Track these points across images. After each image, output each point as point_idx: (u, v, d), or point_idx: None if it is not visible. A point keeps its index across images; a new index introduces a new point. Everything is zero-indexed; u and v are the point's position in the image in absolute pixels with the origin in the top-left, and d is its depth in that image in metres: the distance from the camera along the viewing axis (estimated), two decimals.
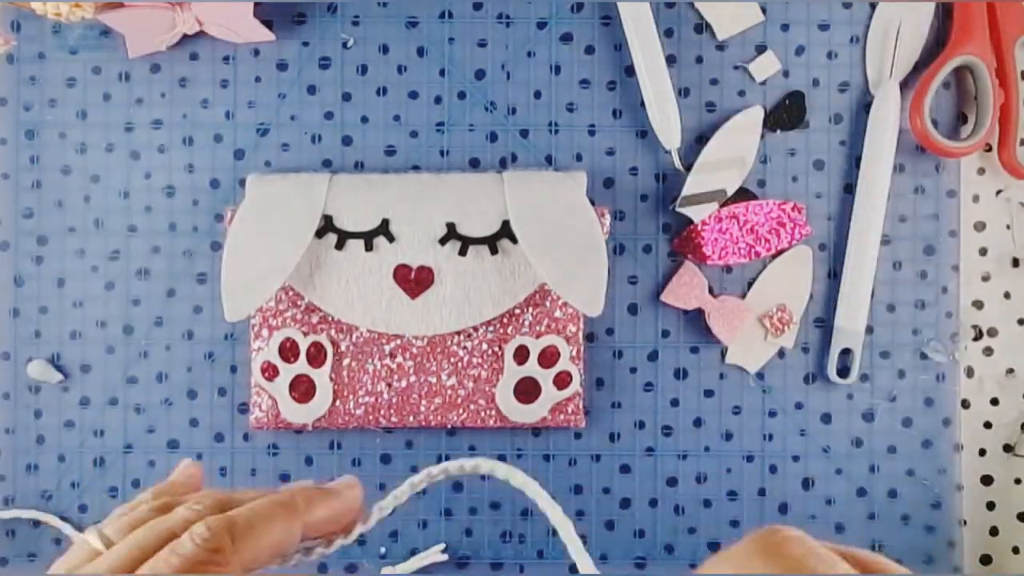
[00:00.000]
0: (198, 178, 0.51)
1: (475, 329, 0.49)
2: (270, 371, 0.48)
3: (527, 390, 0.49)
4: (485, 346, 0.49)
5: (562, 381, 0.49)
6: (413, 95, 0.51)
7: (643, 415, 0.51)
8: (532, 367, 0.49)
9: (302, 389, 0.49)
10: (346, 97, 0.51)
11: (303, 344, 0.48)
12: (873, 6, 0.51)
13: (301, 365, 0.48)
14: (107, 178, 0.51)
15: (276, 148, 0.51)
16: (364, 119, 0.51)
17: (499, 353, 0.49)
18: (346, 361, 0.49)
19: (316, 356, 0.49)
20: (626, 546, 0.51)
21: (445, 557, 0.50)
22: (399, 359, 0.49)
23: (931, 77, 0.49)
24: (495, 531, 0.51)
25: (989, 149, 0.51)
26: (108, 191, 0.51)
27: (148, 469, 0.51)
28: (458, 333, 0.49)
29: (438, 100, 0.51)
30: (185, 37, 0.50)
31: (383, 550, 0.51)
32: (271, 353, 0.48)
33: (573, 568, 0.50)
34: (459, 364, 0.49)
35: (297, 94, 0.51)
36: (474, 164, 0.51)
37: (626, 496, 0.51)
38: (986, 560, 0.51)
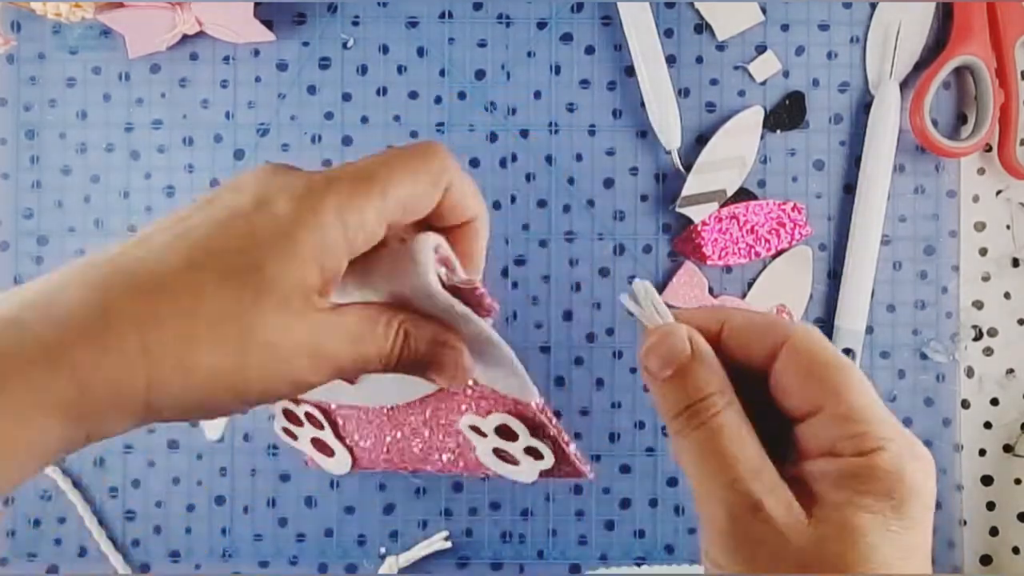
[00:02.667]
0: (198, 178, 0.51)
1: (421, 403, 0.38)
2: (289, 434, 0.43)
3: (506, 458, 0.38)
4: (442, 420, 0.39)
5: (535, 454, 0.37)
6: (413, 95, 0.51)
7: (643, 415, 0.51)
8: (497, 441, 0.37)
9: (320, 446, 0.42)
10: (346, 97, 0.51)
11: (299, 412, 0.42)
12: (873, 6, 0.51)
13: (308, 429, 0.42)
14: (107, 178, 0.51)
15: (276, 148, 0.51)
16: (364, 119, 0.51)
17: (459, 429, 0.38)
18: (342, 421, 0.41)
19: (315, 421, 0.42)
20: (626, 546, 0.51)
21: (448, 544, 0.50)
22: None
23: (931, 77, 0.49)
24: (495, 531, 0.51)
25: (989, 149, 0.51)
26: (108, 191, 0.51)
27: (148, 469, 0.51)
28: (410, 405, 0.39)
29: (438, 100, 0.51)
30: (185, 37, 0.50)
31: (383, 550, 0.51)
32: (280, 420, 0.43)
33: (574, 568, 0.50)
34: (435, 430, 0.39)
35: (297, 94, 0.51)
36: (474, 164, 0.51)
37: (626, 496, 0.51)
38: (986, 560, 0.51)
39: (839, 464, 0.26)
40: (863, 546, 0.25)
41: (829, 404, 0.27)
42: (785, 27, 0.51)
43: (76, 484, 0.51)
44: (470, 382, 0.34)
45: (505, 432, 0.36)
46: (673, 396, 0.29)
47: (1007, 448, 0.51)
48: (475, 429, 0.36)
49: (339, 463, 0.42)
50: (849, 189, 0.51)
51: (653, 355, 0.30)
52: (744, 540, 0.27)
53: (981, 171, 0.52)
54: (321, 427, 0.41)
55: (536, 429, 0.35)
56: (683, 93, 0.51)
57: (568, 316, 0.51)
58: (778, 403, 0.29)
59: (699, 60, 0.51)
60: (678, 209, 0.50)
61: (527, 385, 0.33)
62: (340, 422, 0.41)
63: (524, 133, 0.51)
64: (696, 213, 0.50)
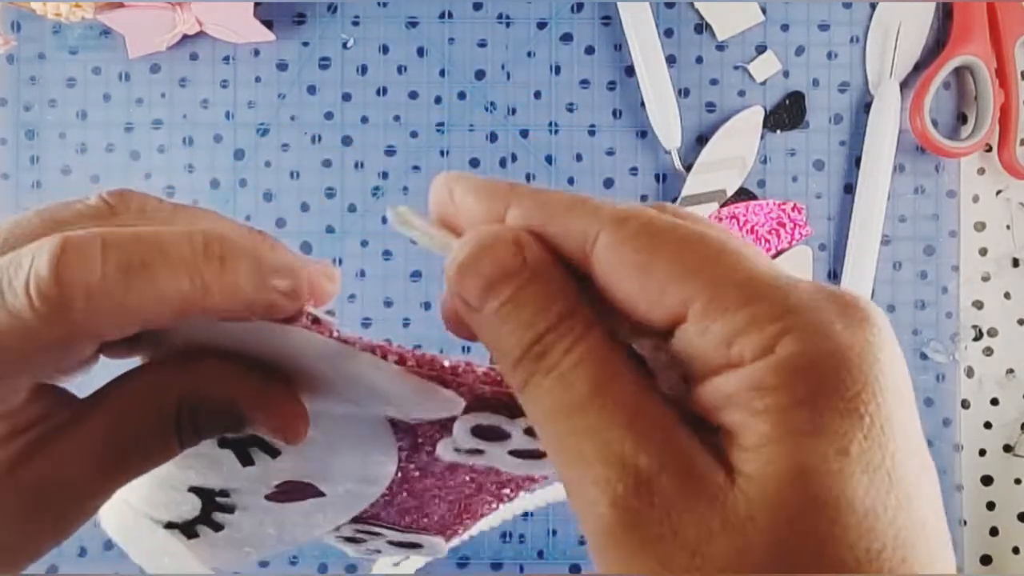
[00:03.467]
0: (198, 178, 0.51)
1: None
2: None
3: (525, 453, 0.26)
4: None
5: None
6: (413, 95, 0.51)
7: None
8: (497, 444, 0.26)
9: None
10: (346, 97, 0.51)
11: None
12: (873, 6, 0.51)
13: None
14: (107, 178, 0.51)
15: (276, 148, 0.51)
16: (364, 119, 0.51)
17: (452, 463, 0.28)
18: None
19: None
20: None
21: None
22: None
23: (931, 77, 0.49)
24: (495, 531, 0.51)
25: (989, 149, 0.51)
26: None
27: None
28: None
29: (438, 100, 0.51)
30: (185, 37, 0.50)
31: None
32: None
33: (574, 568, 0.50)
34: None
35: (297, 94, 0.51)
36: (474, 164, 0.51)
37: None
38: (986, 560, 0.51)
39: (744, 376, 0.17)
40: (825, 493, 0.16)
41: (697, 295, 0.18)
42: (785, 27, 0.51)
43: None
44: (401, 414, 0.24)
45: (485, 431, 0.24)
46: (510, 334, 0.19)
47: (1007, 448, 0.51)
48: (460, 450, 0.25)
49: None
50: (849, 189, 0.51)
51: (471, 277, 0.19)
52: (640, 541, 0.17)
53: (981, 171, 0.52)
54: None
55: (497, 405, 0.23)
56: (683, 93, 0.51)
57: None
58: (626, 316, 0.19)
59: (699, 60, 0.51)
60: None
61: (432, 393, 0.22)
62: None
63: (524, 133, 0.51)
64: (696, 213, 0.50)
